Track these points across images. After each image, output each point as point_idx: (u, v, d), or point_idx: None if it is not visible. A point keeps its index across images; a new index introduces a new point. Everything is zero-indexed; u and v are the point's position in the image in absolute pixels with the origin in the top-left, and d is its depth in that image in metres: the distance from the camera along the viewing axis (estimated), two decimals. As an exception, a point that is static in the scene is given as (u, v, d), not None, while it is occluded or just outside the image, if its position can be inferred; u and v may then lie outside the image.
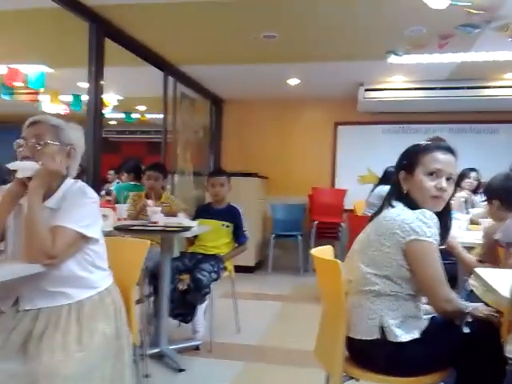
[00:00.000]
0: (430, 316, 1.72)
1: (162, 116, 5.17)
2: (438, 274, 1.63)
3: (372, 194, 4.64)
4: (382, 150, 6.04)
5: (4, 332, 1.56)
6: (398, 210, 1.69)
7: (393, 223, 1.66)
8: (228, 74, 5.43)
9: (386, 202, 1.79)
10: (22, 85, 4.88)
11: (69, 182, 1.73)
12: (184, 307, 3.15)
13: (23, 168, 1.59)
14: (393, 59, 4.53)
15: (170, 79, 5.10)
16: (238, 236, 3.46)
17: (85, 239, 1.66)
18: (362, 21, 3.71)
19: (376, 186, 4.66)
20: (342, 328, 1.71)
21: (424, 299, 1.75)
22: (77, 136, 1.77)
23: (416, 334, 1.64)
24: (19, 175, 1.60)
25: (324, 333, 1.94)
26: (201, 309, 3.23)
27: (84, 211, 1.66)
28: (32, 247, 1.54)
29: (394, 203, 1.74)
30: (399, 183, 1.77)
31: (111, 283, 1.81)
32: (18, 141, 1.67)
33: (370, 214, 4.93)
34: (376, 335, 1.65)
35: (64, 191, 1.69)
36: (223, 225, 3.41)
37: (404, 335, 1.63)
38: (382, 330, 1.64)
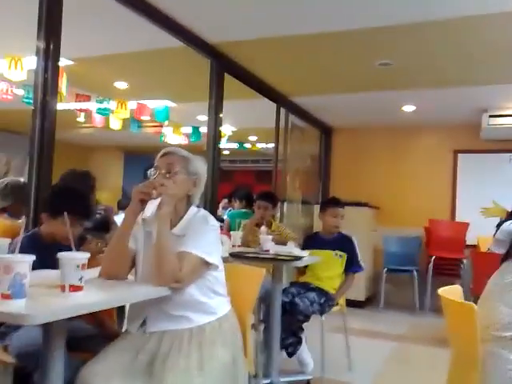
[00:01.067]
0: None
1: (272, 145, 5.28)
2: None
3: (500, 229, 4.22)
4: (510, 179, 5.51)
5: (132, 351, 1.65)
6: None
7: None
8: (340, 103, 5.41)
9: None
10: (148, 118, 5.33)
11: (193, 210, 1.82)
12: (293, 336, 3.08)
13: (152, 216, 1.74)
14: (523, 82, 4.16)
15: (282, 110, 5.22)
16: (352, 265, 3.33)
17: (207, 265, 1.71)
18: (485, 43, 3.47)
19: (504, 220, 4.24)
20: (476, 379, 1.54)
21: None
22: (202, 167, 1.87)
23: None
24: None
25: (455, 382, 1.75)
26: (303, 340, 3.14)
27: (207, 238, 1.73)
28: (161, 271, 1.62)
29: None
30: None
31: (229, 309, 1.85)
32: (151, 170, 1.78)
33: (496, 252, 4.50)
34: None
35: (189, 219, 1.78)
36: (336, 254, 3.32)
37: None
38: None
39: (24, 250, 1.37)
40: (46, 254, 1.47)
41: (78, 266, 1.34)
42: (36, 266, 1.59)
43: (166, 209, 1.68)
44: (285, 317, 3.02)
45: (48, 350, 1.38)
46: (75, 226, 1.99)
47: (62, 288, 1.34)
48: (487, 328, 1.61)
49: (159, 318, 1.69)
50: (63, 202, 2.04)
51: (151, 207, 1.72)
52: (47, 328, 1.39)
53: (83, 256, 1.37)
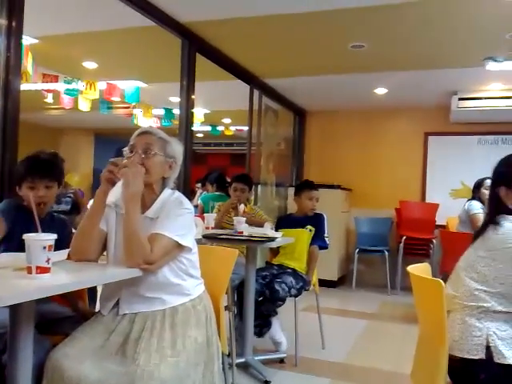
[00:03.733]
0: None
1: (246, 128, 5.24)
2: None
3: (463, 209, 4.38)
4: (478, 162, 5.65)
5: (105, 333, 1.64)
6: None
7: (507, 238, 1.57)
8: (313, 86, 5.40)
9: (488, 218, 1.70)
10: (118, 99, 5.20)
11: (167, 192, 1.80)
12: (261, 318, 3.14)
13: (117, 200, 1.71)
14: (491, 66, 4.23)
15: (256, 92, 5.17)
16: (317, 238, 3.35)
17: (180, 248, 1.70)
18: (456, 25, 3.50)
19: (468, 200, 4.40)
20: (444, 351, 1.60)
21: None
22: (179, 151, 1.84)
23: None
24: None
25: (423, 356, 1.82)
26: (276, 320, 3.19)
27: (180, 221, 1.71)
28: (131, 252, 1.60)
29: (501, 219, 1.64)
30: (500, 199, 1.69)
31: (203, 291, 1.85)
32: (125, 149, 1.75)
33: (462, 231, 4.65)
34: (480, 354, 1.55)
35: (162, 201, 1.76)
36: (307, 228, 3.36)
37: None
38: (488, 349, 1.54)
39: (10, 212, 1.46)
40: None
41: (44, 248, 1.31)
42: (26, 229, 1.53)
43: (132, 188, 1.62)
44: (264, 304, 3.08)
45: (16, 331, 1.36)
46: (39, 188, 1.98)
47: (29, 270, 1.31)
48: (453, 299, 1.68)
49: (132, 300, 1.68)
50: (19, 170, 2.04)
51: (115, 191, 1.68)
52: (14, 310, 1.36)
53: (50, 237, 1.34)
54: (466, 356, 1.57)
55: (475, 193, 4.29)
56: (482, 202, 4.16)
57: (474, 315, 1.60)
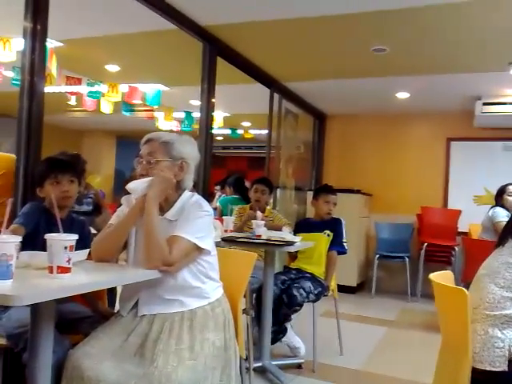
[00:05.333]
0: None
1: (265, 131, 5.23)
2: None
3: (486, 216, 4.30)
4: (502, 168, 5.53)
5: (124, 334, 1.64)
6: None
7: None
8: (334, 89, 5.37)
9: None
10: (140, 102, 5.26)
11: (186, 194, 1.79)
12: (276, 324, 3.09)
13: (135, 190, 1.68)
14: (516, 70, 4.15)
15: (276, 96, 5.16)
16: (335, 244, 3.32)
17: (198, 250, 1.70)
18: (480, 29, 3.44)
19: (492, 207, 4.32)
20: (467, 363, 1.56)
21: None
22: (187, 149, 1.80)
23: None
24: (134, 196, 1.69)
25: (445, 366, 1.77)
26: (289, 325, 3.17)
27: (199, 223, 1.71)
28: (150, 254, 1.61)
29: None
30: None
31: (222, 294, 1.84)
32: (136, 159, 1.77)
33: (485, 238, 4.60)
34: (503, 367, 1.50)
35: (182, 204, 1.76)
36: (324, 233, 3.34)
37: None
38: (511, 361, 1.50)
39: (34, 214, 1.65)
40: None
41: (65, 248, 1.32)
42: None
43: (155, 190, 1.66)
44: (282, 308, 3.04)
45: (36, 330, 1.37)
46: (63, 183, 2.00)
47: (50, 270, 1.32)
48: (476, 309, 1.64)
49: (151, 302, 1.69)
50: (40, 169, 2.08)
51: (137, 182, 1.69)
52: (35, 309, 1.37)
53: (71, 237, 1.35)
54: (488, 368, 1.52)
55: (498, 200, 4.22)
56: (505, 208, 4.07)
57: (497, 325, 1.55)
